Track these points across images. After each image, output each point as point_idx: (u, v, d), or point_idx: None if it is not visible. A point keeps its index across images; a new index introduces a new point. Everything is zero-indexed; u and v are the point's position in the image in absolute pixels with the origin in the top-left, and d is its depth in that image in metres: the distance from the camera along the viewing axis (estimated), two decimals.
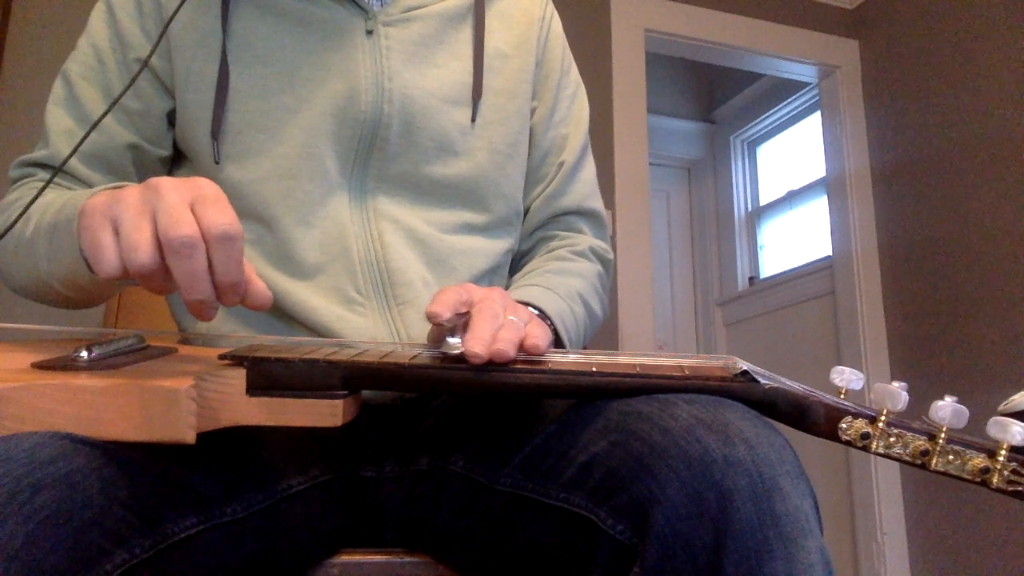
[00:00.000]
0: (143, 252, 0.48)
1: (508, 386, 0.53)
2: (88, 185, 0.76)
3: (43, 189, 0.61)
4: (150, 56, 0.69)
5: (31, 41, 1.95)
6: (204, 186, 0.50)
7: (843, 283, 2.81)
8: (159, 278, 0.50)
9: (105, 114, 0.65)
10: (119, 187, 0.57)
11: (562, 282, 0.76)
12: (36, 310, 0.73)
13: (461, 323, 0.56)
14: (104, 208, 0.51)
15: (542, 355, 0.55)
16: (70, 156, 0.64)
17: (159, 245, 0.48)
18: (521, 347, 0.54)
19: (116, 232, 0.50)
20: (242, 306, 0.53)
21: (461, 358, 0.52)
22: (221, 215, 0.48)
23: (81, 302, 0.69)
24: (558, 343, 0.71)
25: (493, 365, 0.52)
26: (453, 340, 0.53)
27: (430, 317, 0.55)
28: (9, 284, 0.73)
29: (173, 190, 0.49)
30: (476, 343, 0.52)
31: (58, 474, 0.43)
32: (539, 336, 0.55)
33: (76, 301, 0.68)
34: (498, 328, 0.54)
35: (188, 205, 0.49)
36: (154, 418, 0.47)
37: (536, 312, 0.69)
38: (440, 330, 0.57)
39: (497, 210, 0.81)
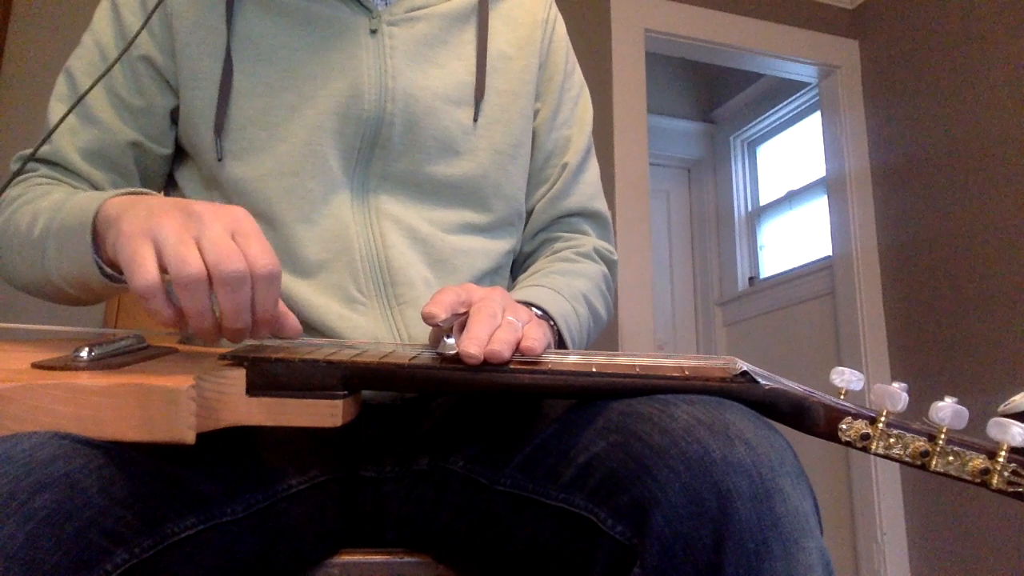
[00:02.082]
0: (193, 265, 0.49)
1: (508, 386, 0.53)
2: (89, 181, 0.76)
3: (9, 182, 0.64)
4: (139, 32, 0.70)
5: (31, 40, 1.95)
6: (242, 218, 0.53)
7: (843, 283, 2.81)
8: (203, 299, 0.51)
9: (90, 88, 0.66)
10: (135, 193, 0.60)
11: (566, 283, 0.76)
12: (36, 310, 0.73)
13: (458, 323, 0.56)
14: (142, 224, 0.52)
15: (539, 356, 0.55)
16: (53, 130, 0.67)
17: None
18: (517, 348, 0.54)
19: (158, 252, 0.51)
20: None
21: (458, 358, 0.52)
22: (265, 253, 0.51)
23: (86, 301, 0.70)
24: (562, 344, 0.71)
25: (491, 365, 0.52)
26: (450, 341, 0.53)
27: (426, 318, 0.55)
28: (13, 282, 0.73)
29: (216, 220, 0.51)
30: (471, 343, 0.52)
31: (58, 474, 0.43)
32: (536, 338, 0.55)
33: (82, 300, 0.69)
34: (495, 329, 0.54)
35: (231, 236, 0.51)
36: (154, 418, 0.47)
37: (539, 313, 0.69)
38: (440, 330, 0.57)
39: (499, 210, 0.81)
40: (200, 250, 0.50)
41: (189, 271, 0.49)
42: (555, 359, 0.55)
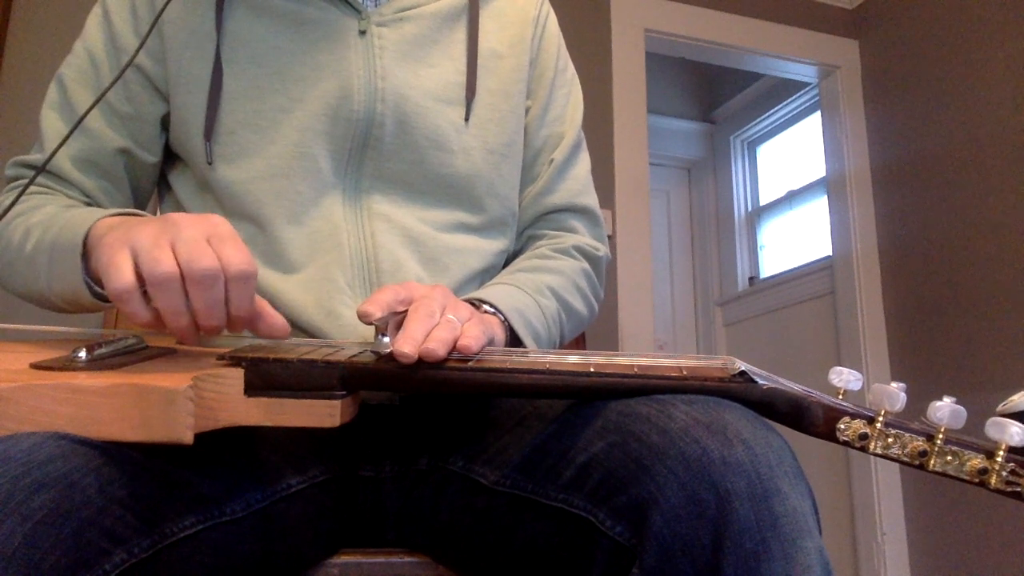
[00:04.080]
0: (166, 264, 0.51)
1: (507, 387, 0.53)
2: (81, 189, 0.77)
3: (23, 191, 0.65)
4: (137, 51, 0.70)
5: (31, 41, 1.95)
6: (219, 223, 0.55)
7: (843, 283, 2.81)
8: (177, 297, 0.53)
9: (89, 110, 0.67)
10: (123, 214, 0.62)
11: (530, 278, 0.76)
12: (36, 310, 0.74)
13: (394, 322, 0.55)
14: (121, 235, 0.54)
15: (473, 355, 0.54)
16: (50, 157, 0.67)
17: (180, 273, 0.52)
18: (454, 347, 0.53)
19: (134, 257, 0.53)
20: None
21: (392, 357, 0.52)
22: (239, 253, 0.53)
23: (80, 312, 0.71)
24: (516, 339, 0.70)
25: (492, 366, 0.52)
26: (385, 339, 0.53)
27: (361, 317, 0.55)
28: (8, 290, 0.74)
29: (190, 226, 0.53)
30: (406, 342, 0.51)
31: (56, 474, 0.43)
32: (473, 336, 0.54)
33: (74, 312, 0.71)
34: (432, 327, 0.54)
35: (206, 240, 0.53)
36: (152, 418, 0.47)
37: (491, 310, 0.68)
38: (382, 328, 0.56)
39: (492, 210, 0.81)
40: (174, 252, 0.52)
41: (161, 269, 0.51)
42: (554, 359, 0.55)
